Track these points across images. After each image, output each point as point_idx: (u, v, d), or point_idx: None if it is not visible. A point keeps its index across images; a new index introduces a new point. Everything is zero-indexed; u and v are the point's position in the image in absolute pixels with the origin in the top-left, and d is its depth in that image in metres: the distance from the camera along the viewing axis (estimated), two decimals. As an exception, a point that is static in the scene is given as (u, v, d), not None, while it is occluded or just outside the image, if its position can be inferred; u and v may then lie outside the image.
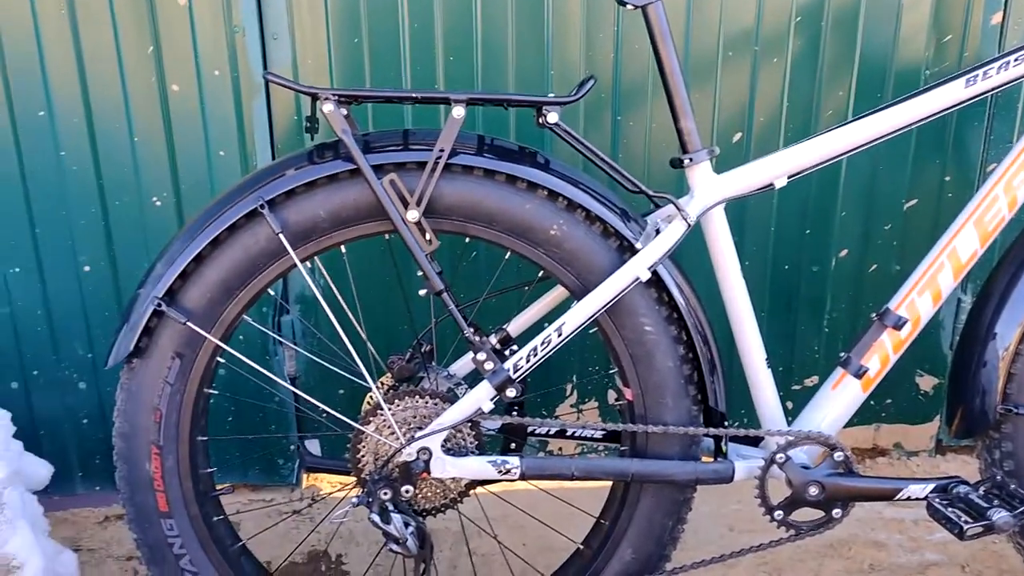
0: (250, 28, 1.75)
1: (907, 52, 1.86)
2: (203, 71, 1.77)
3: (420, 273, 1.34)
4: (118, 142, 1.80)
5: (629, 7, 1.31)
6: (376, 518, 1.37)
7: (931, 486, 1.43)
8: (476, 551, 1.85)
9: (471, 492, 1.46)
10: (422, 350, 1.51)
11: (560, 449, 2.10)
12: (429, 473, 1.38)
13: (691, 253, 1.59)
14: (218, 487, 1.51)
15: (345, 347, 1.41)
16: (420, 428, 1.39)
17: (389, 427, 1.40)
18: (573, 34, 1.81)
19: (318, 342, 1.95)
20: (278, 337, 1.93)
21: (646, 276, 1.33)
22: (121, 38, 1.74)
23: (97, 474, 2.01)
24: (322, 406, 1.48)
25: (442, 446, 1.38)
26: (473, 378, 1.45)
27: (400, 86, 1.82)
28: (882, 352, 1.44)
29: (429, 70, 1.81)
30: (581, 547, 1.53)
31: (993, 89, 1.37)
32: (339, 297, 1.54)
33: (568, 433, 1.52)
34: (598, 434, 1.53)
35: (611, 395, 2.07)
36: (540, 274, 1.43)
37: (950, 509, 1.39)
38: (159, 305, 1.32)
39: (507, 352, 1.40)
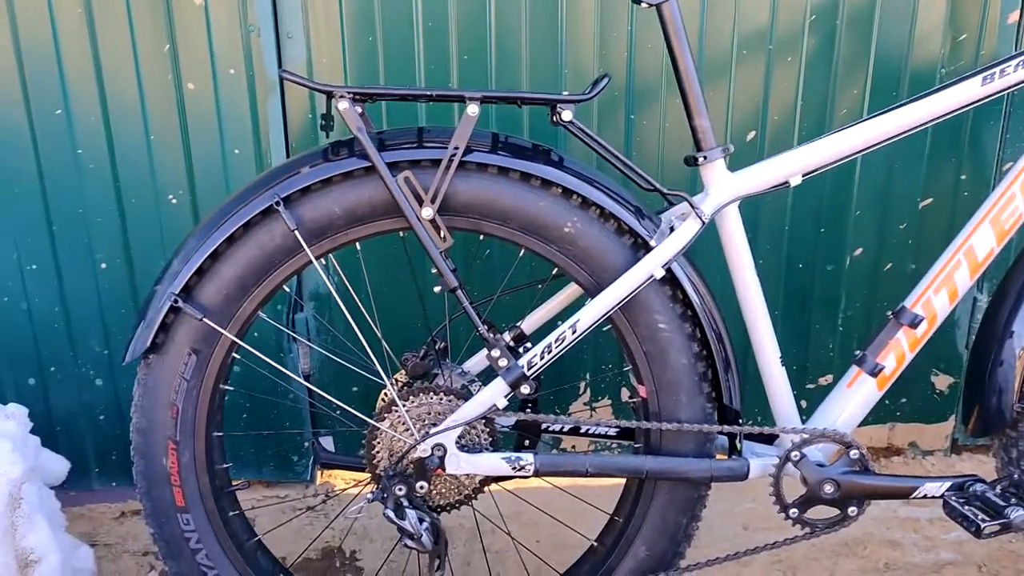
0: (265, 27, 1.76)
1: (922, 51, 1.85)
2: (219, 70, 1.78)
3: (434, 270, 1.35)
4: (134, 140, 1.81)
5: (643, 5, 1.30)
6: (391, 514, 1.38)
7: (948, 484, 1.42)
8: (490, 548, 1.85)
9: (485, 488, 1.47)
10: (436, 347, 1.51)
11: (573, 446, 2.10)
12: (443, 469, 1.39)
13: (705, 251, 1.59)
14: (234, 483, 1.52)
15: (359, 344, 1.42)
16: (434, 424, 1.39)
17: (404, 423, 1.41)
18: (587, 33, 1.81)
19: (332, 339, 1.96)
20: (293, 334, 1.94)
21: (660, 273, 1.33)
22: (137, 37, 1.75)
23: (113, 470, 2.03)
24: (337, 402, 1.49)
25: (456, 442, 1.38)
26: (487, 375, 1.45)
27: (414, 85, 1.82)
28: (898, 350, 1.43)
29: (443, 69, 1.82)
30: (595, 544, 1.53)
31: (1010, 87, 1.36)
32: (353, 294, 1.55)
33: (582, 430, 1.52)
34: (612, 431, 1.53)
35: (625, 392, 2.07)
36: (554, 271, 1.43)
37: (967, 507, 1.39)
38: (176, 301, 1.33)
39: (521, 349, 1.40)
